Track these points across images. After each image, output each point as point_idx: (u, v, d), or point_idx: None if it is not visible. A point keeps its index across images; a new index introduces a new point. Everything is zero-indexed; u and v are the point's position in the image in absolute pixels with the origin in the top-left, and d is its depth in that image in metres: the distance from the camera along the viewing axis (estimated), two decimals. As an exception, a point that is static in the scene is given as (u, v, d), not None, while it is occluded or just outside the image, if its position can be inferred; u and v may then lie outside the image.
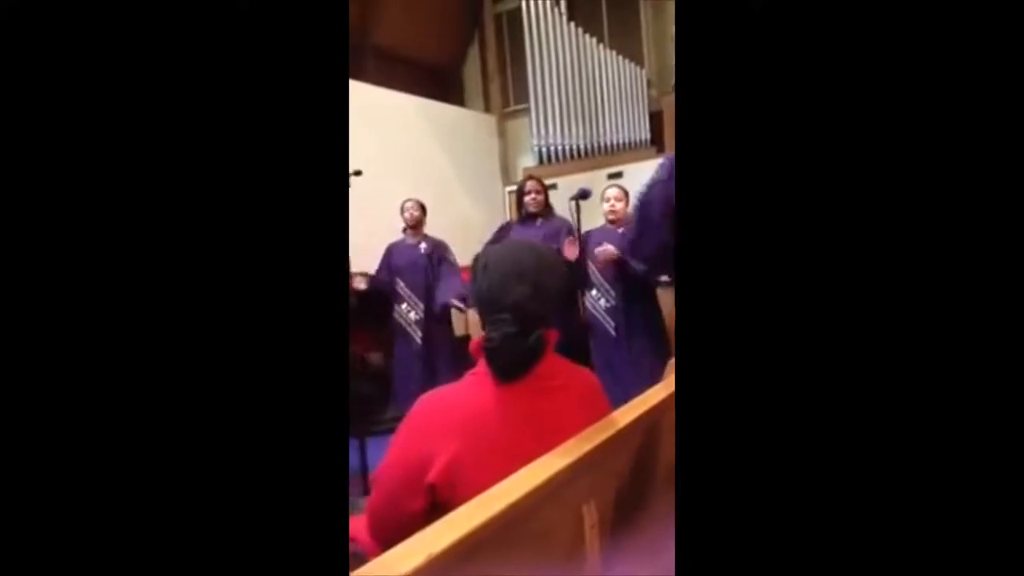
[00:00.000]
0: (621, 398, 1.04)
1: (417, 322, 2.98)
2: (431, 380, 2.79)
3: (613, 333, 2.65)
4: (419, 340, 2.97)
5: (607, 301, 2.66)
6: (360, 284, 2.88)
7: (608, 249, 2.55)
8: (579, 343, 2.67)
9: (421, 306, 2.99)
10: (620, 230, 2.69)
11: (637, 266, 2.52)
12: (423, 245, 3.05)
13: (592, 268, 2.67)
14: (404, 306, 2.98)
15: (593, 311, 2.67)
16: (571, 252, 2.52)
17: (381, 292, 2.98)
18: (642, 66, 5.05)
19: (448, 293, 2.95)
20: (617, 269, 2.60)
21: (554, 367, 0.92)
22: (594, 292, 2.68)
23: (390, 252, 3.07)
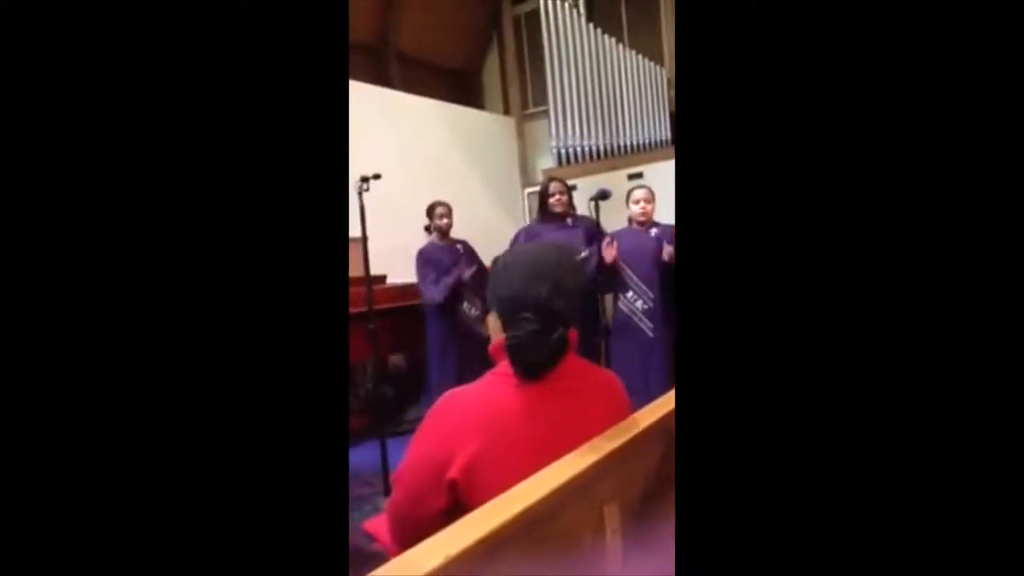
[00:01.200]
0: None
1: (479, 317, 3.00)
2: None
3: (651, 335, 2.60)
4: (485, 333, 2.99)
5: (644, 303, 2.62)
6: (467, 275, 2.90)
7: (671, 252, 2.53)
8: (597, 345, 2.66)
9: (479, 303, 3.01)
10: (653, 232, 2.67)
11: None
12: (459, 247, 3.06)
13: (626, 269, 2.63)
14: (465, 304, 2.99)
15: (630, 314, 2.64)
16: (609, 254, 2.54)
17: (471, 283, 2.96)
18: (662, 65, 5.01)
19: None
20: (658, 269, 2.57)
21: (576, 367, 0.92)
22: (630, 294, 2.63)
23: (429, 255, 3.01)
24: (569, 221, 2.90)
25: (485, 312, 2.93)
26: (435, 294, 2.90)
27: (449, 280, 2.90)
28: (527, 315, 0.86)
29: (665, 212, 2.74)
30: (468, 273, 2.90)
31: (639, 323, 2.62)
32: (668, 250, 2.54)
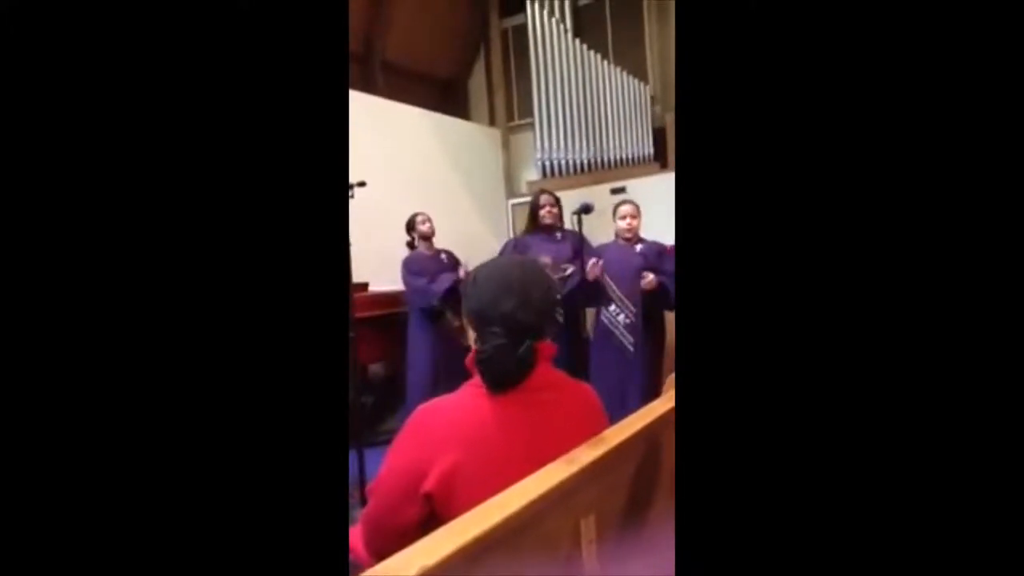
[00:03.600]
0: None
1: (458, 328, 3.00)
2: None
3: (632, 349, 2.62)
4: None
5: (627, 317, 2.63)
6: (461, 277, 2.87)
7: (651, 280, 2.57)
8: (580, 357, 2.67)
9: (457, 311, 3.01)
10: (639, 247, 2.70)
11: (671, 287, 2.55)
12: (443, 256, 3.06)
13: (610, 283, 2.66)
14: (449, 314, 2.98)
15: (612, 327, 2.66)
16: (592, 273, 2.57)
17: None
18: (646, 82, 5.09)
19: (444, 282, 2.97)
20: (654, 292, 2.60)
21: (550, 379, 0.92)
22: (613, 308, 2.65)
23: (417, 262, 3.02)
24: (558, 235, 2.93)
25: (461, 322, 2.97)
26: (435, 290, 2.88)
27: (448, 278, 2.89)
28: (494, 329, 0.88)
29: (647, 226, 2.78)
30: (458, 277, 2.90)
31: (620, 337, 2.64)
32: (649, 278, 2.57)
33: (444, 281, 2.91)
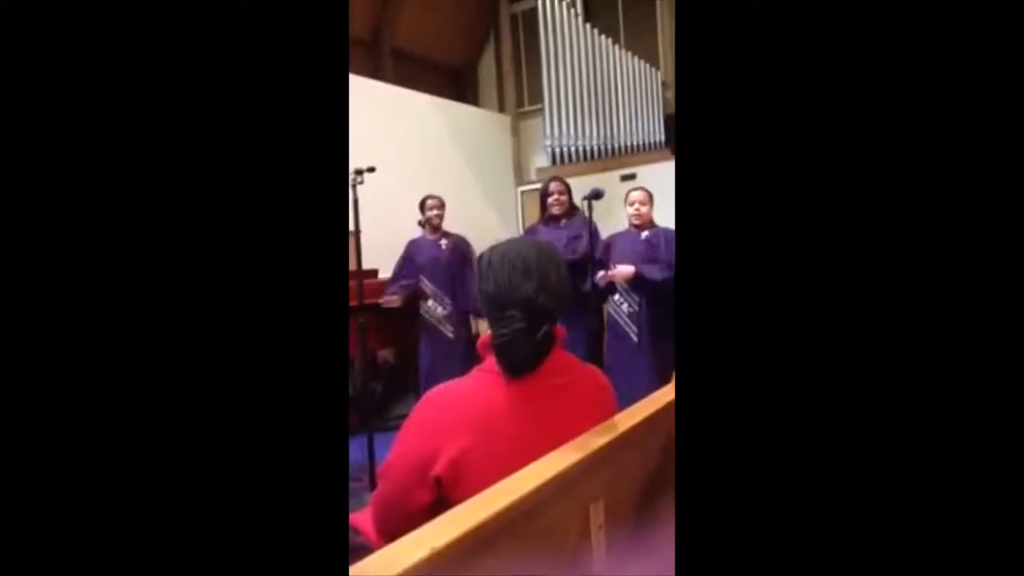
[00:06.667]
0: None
1: (447, 317, 2.99)
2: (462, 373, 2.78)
3: (635, 339, 2.61)
4: (451, 334, 2.98)
5: (630, 306, 2.62)
6: (395, 302, 2.91)
7: (621, 271, 2.57)
8: (594, 346, 2.67)
9: (448, 301, 3.00)
10: (644, 234, 2.67)
11: (653, 275, 2.54)
12: (444, 242, 3.06)
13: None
14: (431, 303, 2.99)
15: (616, 316, 2.65)
16: (618, 276, 2.57)
17: (412, 297, 3.01)
18: (657, 68, 5.03)
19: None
20: (637, 280, 2.59)
21: (562, 364, 0.92)
22: (617, 297, 2.64)
23: (412, 248, 3.05)
24: (563, 223, 2.85)
25: (461, 311, 2.97)
26: (388, 296, 2.94)
27: (393, 289, 2.94)
28: (513, 313, 0.86)
29: (656, 213, 2.76)
30: (395, 291, 2.92)
31: (625, 327, 2.63)
32: (608, 273, 2.57)
33: (390, 292, 2.95)
